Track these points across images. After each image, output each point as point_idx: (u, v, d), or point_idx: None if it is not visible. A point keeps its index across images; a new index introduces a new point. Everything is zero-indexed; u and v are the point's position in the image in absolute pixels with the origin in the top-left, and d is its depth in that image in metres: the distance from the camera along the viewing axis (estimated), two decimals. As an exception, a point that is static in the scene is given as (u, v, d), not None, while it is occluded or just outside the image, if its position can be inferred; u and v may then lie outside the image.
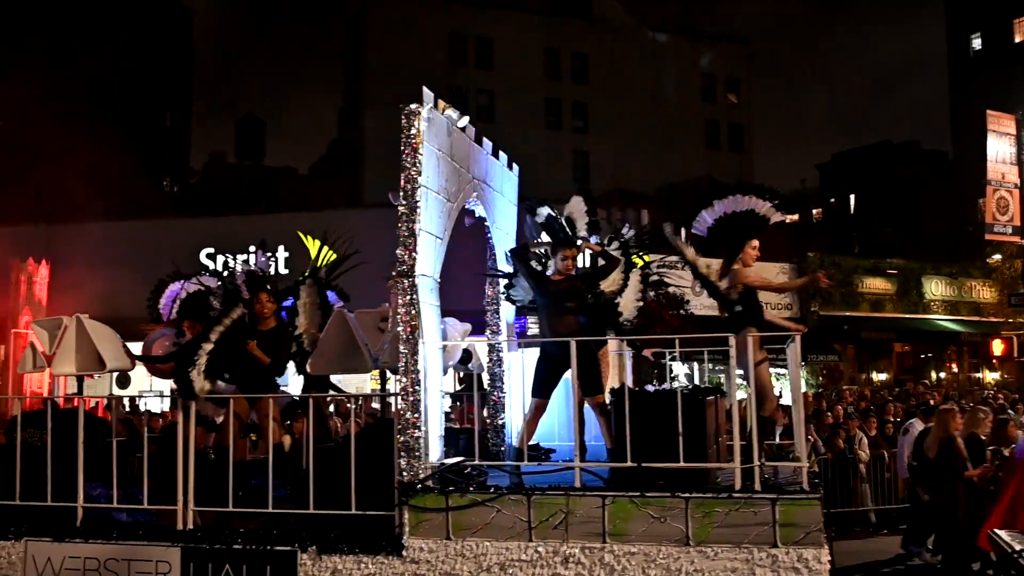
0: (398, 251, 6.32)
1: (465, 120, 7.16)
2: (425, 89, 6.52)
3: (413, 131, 6.36)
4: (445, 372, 7.37)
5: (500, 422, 8.29)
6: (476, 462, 6.63)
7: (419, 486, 6.16)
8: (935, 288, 31.19)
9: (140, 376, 17.47)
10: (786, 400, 14.42)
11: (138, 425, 12.08)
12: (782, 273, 25.31)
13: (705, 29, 50.93)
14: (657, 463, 6.00)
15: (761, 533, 5.69)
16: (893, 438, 13.73)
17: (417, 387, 6.20)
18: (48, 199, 28.53)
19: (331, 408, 11.41)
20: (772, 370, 7.47)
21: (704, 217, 6.76)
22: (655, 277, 8.48)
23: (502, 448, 8.16)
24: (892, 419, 14.50)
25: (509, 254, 7.70)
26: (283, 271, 18.87)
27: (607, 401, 6.95)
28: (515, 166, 9.03)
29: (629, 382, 8.04)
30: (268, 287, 7.30)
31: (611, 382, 7.90)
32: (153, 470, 6.89)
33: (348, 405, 11.03)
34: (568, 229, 7.43)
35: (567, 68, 46.00)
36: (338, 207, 27.35)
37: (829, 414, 14.44)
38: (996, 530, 7.80)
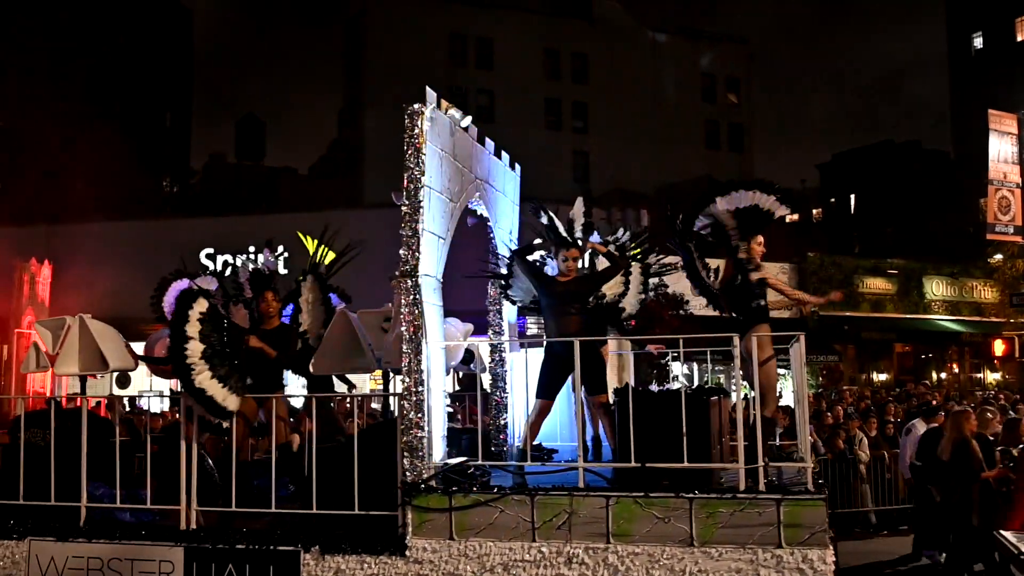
0: (401, 251, 6.30)
1: (468, 120, 7.16)
2: (428, 89, 6.52)
3: (416, 131, 6.35)
4: (448, 372, 7.37)
5: (503, 422, 8.29)
6: (479, 462, 6.62)
7: (422, 486, 6.15)
8: (936, 288, 31.19)
9: (140, 376, 17.50)
10: (785, 400, 14.45)
11: (138, 425, 12.08)
12: (782, 273, 25.33)
13: (705, 29, 50.98)
14: (661, 463, 5.98)
15: (766, 534, 5.67)
16: (893, 439, 13.72)
17: (420, 387, 6.19)
18: (49, 199, 28.52)
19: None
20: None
21: (707, 214, 6.68)
22: (655, 280, 8.47)
23: (505, 448, 8.15)
24: (892, 420, 14.49)
25: (512, 255, 7.68)
26: (283, 271, 18.87)
27: (611, 401, 6.94)
28: (517, 166, 9.03)
29: (632, 382, 8.03)
30: (274, 286, 7.30)
31: (611, 381, 7.90)
32: (156, 470, 6.89)
33: (347, 405, 11.03)
34: (570, 230, 7.42)
35: (567, 68, 46.00)
36: (338, 207, 27.37)
37: (829, 414, 14.44)
38: (1002, 531, 7.79)
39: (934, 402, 14.75)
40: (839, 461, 12.91)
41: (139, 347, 8.03)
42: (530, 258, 7.64)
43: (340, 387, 8.46)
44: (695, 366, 19.19)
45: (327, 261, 7.93)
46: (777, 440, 8.44)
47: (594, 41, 45.77)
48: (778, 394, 7.42)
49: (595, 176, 43.61)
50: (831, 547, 5.65)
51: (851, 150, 51.98)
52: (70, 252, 21.94)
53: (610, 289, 8.02)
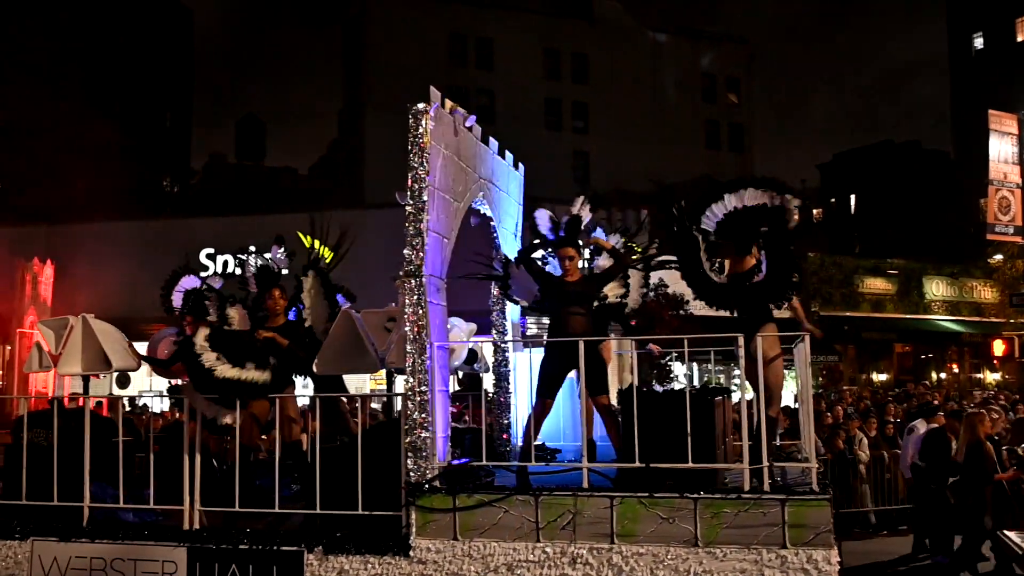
0: (405, 251, 6.30)
1: (472, 119, 7.15)
2: (432, 88, 6.51)
3: (420, 130, 6.35)
4: (451, 372, 7.35)
5: (506, 422, 8.28)
6: (483, 463, 6.61)
7: (426, 486, 6.15)
8: (936, 288, 31.19)
9: (139, 376, 17.48)
10: (784, 401, 14.43)
11: (138, 425, 12.06)
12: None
13: (705, 29, 50.99)
14: (666, 463, 5.97)
15: (770, 534, 5.67)
16: (893, 439, 13.71)
17: (424, 387, 6.19)
18: (49, 199, 28.51)
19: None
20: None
21: (714, 211, 6.64)
22: (655, 279, 8.42)
23: (508, 448, 8.14)
24: (892, 420, 14.47)
25: (518, 256, 7.66)
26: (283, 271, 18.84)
27: (614, 402, 6.92)
28: (521, 165, 9.02)
29: (635, 382, 8.00)
30: (281, 283, 7.28)
31: (613, 382, 7.88)
32: (159, 470, 6.88)
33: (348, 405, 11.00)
34: (575, 227, 7.38)
35: (567, 68, 46.00)
36: (338, 207, 27.34)
37: (829, 415, 14.42)
38: (1005, 531, 7.78)
39: (935, 402, 14.74)
40: (839, 461, 12.89)
41: (141, 347, 8.01)
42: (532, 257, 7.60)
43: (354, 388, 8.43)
44: (695, 366, 19.15)
45: (327, 258, 7.90)
46: (777, 440, 8.43)
47: (594, 41, 45.77)
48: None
49: (595, 176, 43.58)
50: (836, 547, 5.65)
51: (851, 150, 51.98)
52: (70, 252, 21.93)
53: (611, 290, 8.00)
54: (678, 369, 19.28)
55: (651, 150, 44.40)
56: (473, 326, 8.51)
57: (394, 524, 6.25)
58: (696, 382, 17.52)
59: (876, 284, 30.18)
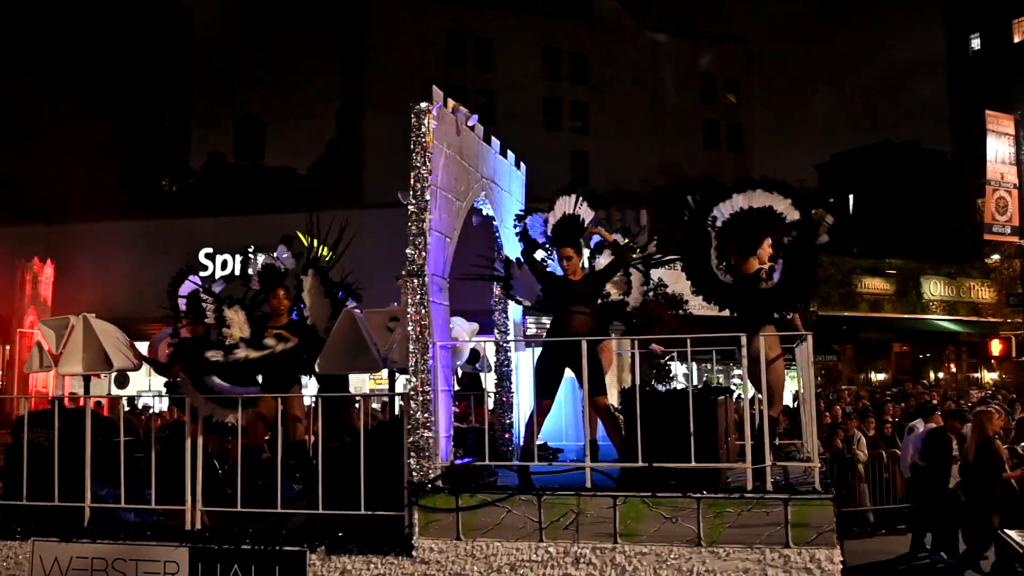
0: (408, 250, 6.29)
1: (474, 119, 7.14)
2: (435, 88, 6.51)
3: (423, 130, 6.34)
4: (454, 372, 7.34)
5: (508, 422, 8.27)
6: (486, 462, 6.60)
7: (429, 486, 6.14)
8: (934, 288, 31.24)
9: (139, 376, 17.47)
10: (784, 401, 14.44)
11: (137, 425, 12.06)
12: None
13: (704, 29, 51.03)
14: (668, 463, 5.97)
15: (773, 533, 5.66)
16: (891, 438, 13.73)
17: (427, 387, 6.18)
18: (48, 199, 28.50)
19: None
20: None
21: (721, 210, 6.62)
22: (655, 275, 8.41)
23: (509, 448, 8.14)
24: (890, 419, 14.50)
25: (522, 257, 7.65)
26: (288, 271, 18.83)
27: (615, 402, 6.91)
28: (523, 165, 9.02)
29: (637, 381, 8.00)
30: (286, 283, 7.27)
31: (613, 382, 7.87)
32: (160, 470, 6.87)
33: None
34: (573, 228, 7.36)
35: (566, 68, 46.03)
36: (337, 207, 27.31)
37: (827, 414, 14.44)
38: (1007, 530, 7.79)
39: (934, 401, 14.75)
40: (837, 460, 12.91)
41: (142, 347, 8.00)
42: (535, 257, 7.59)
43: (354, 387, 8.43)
44: (693, 366, 19.14)
45: (326, 256, 7.87)
46: (776, 440, 8.43)
47: (593, 41, 45.80)
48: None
49: (594, 176, 43.60)
50: (839, 547, 5.64)
51: (850, 150, 52.07)
52: (70, 252, 21.92)
53: (615, 289, 7.99)
54: (676, 369, 19.27)
55: (650, 150, 44.45)
56: (475, 326, 8.50)
57: (397, 524, 6.24)
58: (695, 382, 17.52)
59: (874, 284, 30.23)
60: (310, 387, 7.92)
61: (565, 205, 7.14)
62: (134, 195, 32.59)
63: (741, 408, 7.26)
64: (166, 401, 14.08)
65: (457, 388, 12.93)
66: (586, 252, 7.88)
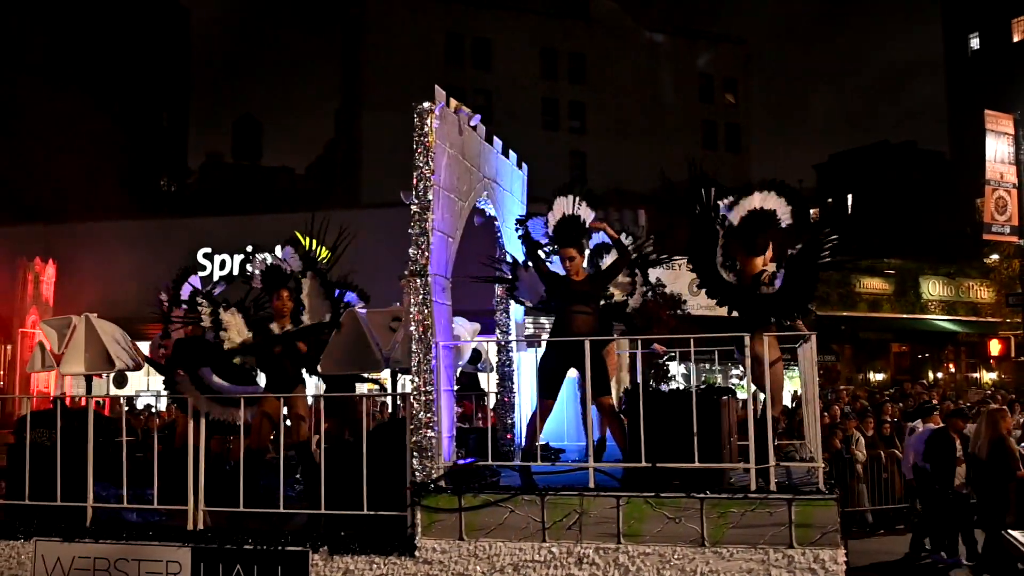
0: (410, 250, 6.28)
1: (477, 119, 7.14)
2: (437, 87, 6.51)
3: (425, 130, 6.33)
4: (456, 372, 7.34)
5: (510, 422, 8.27)
6: (488, 462, 6.60)
7: (432, 486, 6.13)
8: (932, 288, 31.25)
9: (138, 376, 17.44)
10: (783, 401, 14.44)
11: (136, 425, 12.05)
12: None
13: (702, 29, 51.04)
14: (672, 463, 5.97)
15: (777, 534, 5.67)
16: (890, 438, 13.73)
17: (430, 387, 6.17)
18: (46, 199, 28.49)
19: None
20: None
21: (734, 208, 6.60)
22: (654, 275, 8.40)
23: (512, 448, 8.13)
24: (889, 419, 14.50)
25: (525, 257, 7.65)
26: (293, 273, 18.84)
27: (619, 402, 6.90)
28: (524, 165, 9.02)
29: (640, 382, 8.00)
30: (290, 284, 7.26)
31: (614, 382, 7.86)
32: (162, 469, 6.86)
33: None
34: (574, 229, 7.36)
35: (564, 68, 46.03)
36: (335, 207, 27.33)
37: (826, 414, 14.43)
38: (1010, 531, 7.77)
39: (933, 401, 14.75)
40: (836, 461, 12.89)
41: (143, 347, 8.00)
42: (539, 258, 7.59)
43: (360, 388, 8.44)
44: (692, 366, 19.15)
45: (325, 258, 7.87)
46: (776, 440, 8.43)
47: (592, 41, 45.80)
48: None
49: (592, 176, 43.59)
50: (842, 547, 5.65)
51: (848, 151, 52.09)
52: (70, 251, 21.91)
53: (619, 290, 7.99)
54: (675, 369, 19.27)
55: (648, 150, 44.42)
56: (477, 326, 8.49)
57: (399, 524, 6.23)
58: (694, 382, 17.51)
59: (873, 284, 30.23)
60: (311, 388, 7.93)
61: (564, 205, 7.14)
62: (133, 195, 32.58)
63: (744, 408, 7.25)
64: (163, 400, 14.05)
65: (457, 388, 12.93)
66: (587, 252, 7.88)
